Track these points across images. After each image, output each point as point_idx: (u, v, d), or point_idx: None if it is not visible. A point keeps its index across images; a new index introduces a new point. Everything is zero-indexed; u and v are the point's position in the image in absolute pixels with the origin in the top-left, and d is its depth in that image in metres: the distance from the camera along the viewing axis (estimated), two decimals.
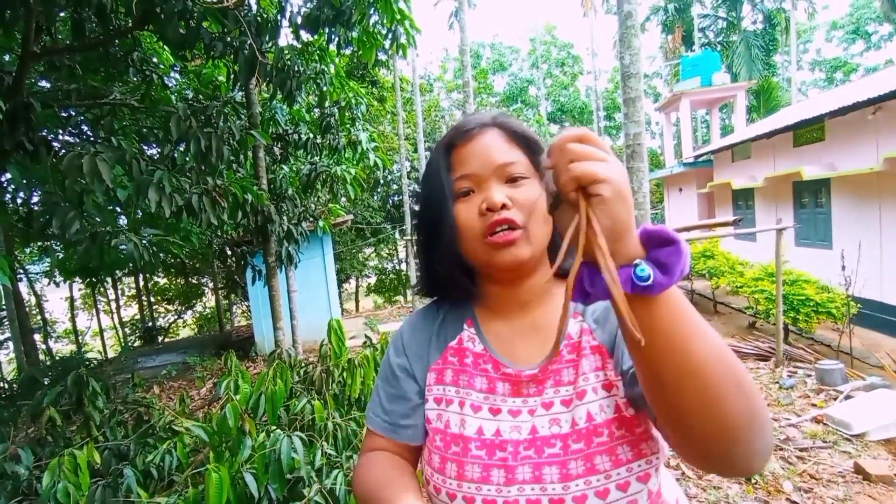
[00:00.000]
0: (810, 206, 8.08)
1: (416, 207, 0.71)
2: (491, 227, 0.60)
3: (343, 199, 7.26)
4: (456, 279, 0.67)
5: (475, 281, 0.69)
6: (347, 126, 4.98)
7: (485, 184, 0.63)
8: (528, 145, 0.66)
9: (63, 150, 2.81)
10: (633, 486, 0.55)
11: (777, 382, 4.37)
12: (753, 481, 2.72)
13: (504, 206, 0.60)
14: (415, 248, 0.74)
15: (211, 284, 13.03)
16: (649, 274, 0.41)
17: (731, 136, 13.13)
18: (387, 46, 3.83)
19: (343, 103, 4.82)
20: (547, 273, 0.67)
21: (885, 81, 7.07)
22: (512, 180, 0.63)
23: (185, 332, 14.40)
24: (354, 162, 5.26)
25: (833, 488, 2.63)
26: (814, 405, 3.81)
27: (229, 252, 6.28)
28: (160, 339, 12.85)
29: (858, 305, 5.52)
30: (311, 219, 5.74)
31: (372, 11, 3.54)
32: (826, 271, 6.13)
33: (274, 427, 1.89)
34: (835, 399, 3.83)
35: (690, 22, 19.62)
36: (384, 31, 3.74)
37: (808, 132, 8.00)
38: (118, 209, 4.31)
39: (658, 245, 0.42)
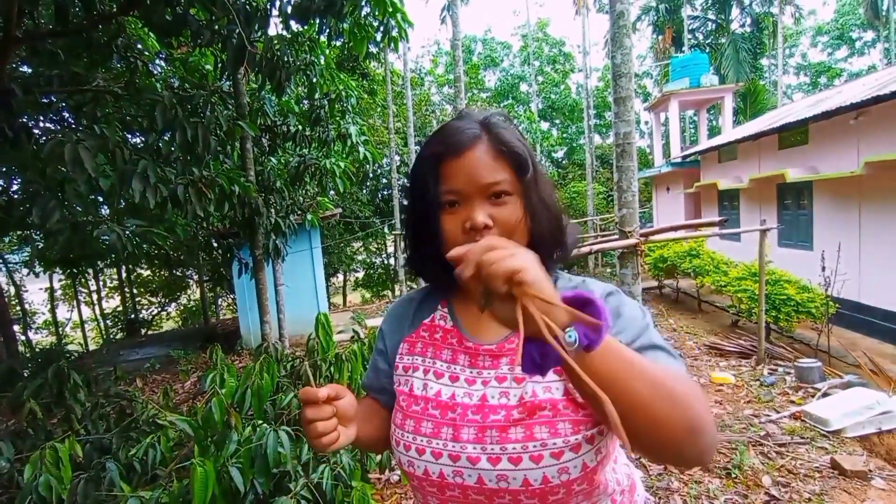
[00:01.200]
0: (793, 208, 8.25)
1: (408, 202, 0.78)
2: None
3: (332, 192, 7.19)
4: (437, 273, 0.75)
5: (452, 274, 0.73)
6: (337, 119, 4.92)
7: (469, 200, 0.67)
8: (515, 160, 0.68)
9: (44, 138, 2.74)
10: (566, 455, 0.63)
11: (758, 379, 4.47)
12: (733, 476, 2.79)
13: (486, 227, 0.65)
14: (403, 234, 0.82)
15: (196, 277, 12.84)
16: (575, 339, 0.47)
17: (718, 137, 13.31)
18: (378, 39, 3.79)
19: (333, 95, 4.76)
20: None
21: (867, 87, 7.23)
22: (496, 196, 0.67)
23: (168, 325, 14.18)
24: (344, 155, 5.21)
25: (810, 483, 2.71)
26: (793, 402, 3.90)
27: (215, 244, 6.19)
28: (143, 331, 12.65)
29: (837, 306, 5.66)
30: (300, 212, 5.67)
31: (364, 3, 3.49)
32: (807, 272, 6.27)
33: (260, 421, 1.87)
34: (813, 396, 3.93)
35: (681, 23, 19.79)
36: (376, 24, 3.70)
37: (792, 135, 8.14)
38: (101, 199, 4.21)
39: (581, 306, 0.48)
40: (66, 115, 4.27)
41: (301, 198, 5.70)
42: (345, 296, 16.74)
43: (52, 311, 11.69)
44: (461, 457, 0.66)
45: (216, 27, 3.19)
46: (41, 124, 4.05)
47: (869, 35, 24.74)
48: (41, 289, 11.53)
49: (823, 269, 5.38)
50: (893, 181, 5.91)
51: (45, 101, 3.47)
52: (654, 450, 0.54)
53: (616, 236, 3.26)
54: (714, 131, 17.95)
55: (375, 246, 16.34)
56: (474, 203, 0.66)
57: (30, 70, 3.64)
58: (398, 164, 13.04)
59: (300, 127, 4.92)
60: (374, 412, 0.83)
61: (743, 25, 20.26)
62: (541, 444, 0.63)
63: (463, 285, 0.73)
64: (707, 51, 19.25)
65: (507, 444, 0.64)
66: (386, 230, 14.54)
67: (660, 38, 20.56)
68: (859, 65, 25.75)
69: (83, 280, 12.18)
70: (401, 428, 0.72)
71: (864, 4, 19.71)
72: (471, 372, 0.72)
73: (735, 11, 20.17)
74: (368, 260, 16.48)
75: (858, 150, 6.50)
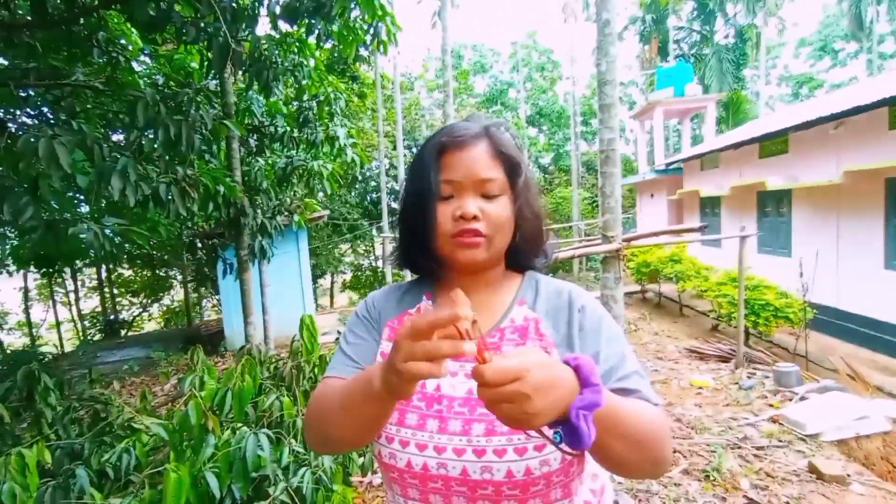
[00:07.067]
0: (772, 216, 8.42)
1: (403, 193, 0.80)
2: (460, 232, 0.71)
3: (320, 194, 7.13)
4: (425, 260, 0.78)
5: (440, 264, 0.78)
6: (326, 121, 4.90)
7: (463, 192, 0.72)
8: (509, 164, 0.75)
9: (20, 132, 2.66)
10: (548, 448, 0.65)
11: (737, 383, 4.54)
12: (712, 478, 2.82)
13: (475, 217, 0.71)
14: (396, 226, 0.84)
15: (180, 277, 12.61)
16: (559, 440, 0.53)
17: (700, 145, 13.54)
18: (368, 42, 3.78)
19: (322, 98, 4.74)
20: (501, 267, 0.81)
21: (847, 97, 7.43)
22: (488, 192, 0.73)
23: (150, 326, 13.88)
24: (332, 157, 5.18)
25: (788, 486, 2.75)
26: (771, 406, 3.97)
27: (199, 244, 6.09)
28: (123, 332, 12.36)
29: (814, 311, 5.79)
30: (287, 213, 5.62)
31: (353, 6, 3.48)
32: (785, 278, 6.40)
33: (240, 424, 1.84)
34: (790, 400, 4.01)
35: (666, 33, 20.14)
36: (365, 27, 3.69)
37: (772, 144, 8.33)
38: (80, 196, 4.11)
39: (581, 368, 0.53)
40: (45, 109, 4.17)
41: (288, 199, 5.65)
42: (332, 297, 16.61)
43: (27, 311, 11.35)
44: (447, 448, 0.67)
45: (201, 24, 3.15)
46: (18, 119, 3.95)
47: (852, 46, 25.40)
48: (15, 288, 11.19)
49: (801, 275, 5.50)
50: (871, 190, 6.07)
51: (22, 94, 3.38)
52: (624, 474, 0.66)
53: (599, 241, 3.29)
54: (697, 140, 18.26)
55: (363, 248, 16.25)
56: (468, 195, 0.72)
57: (5, 62, 3.54)
58: (387, 167, 13.00)
59: (288, 128, 4.89)
60: None
61: (727, 37, 20.70)
62: (525, 437, 0.65)
63: (447, 280, 0.79)
64: (692, 61, 19.62)
65: (493, 437, 0.66)
66: (374, 232, 14.46)
67: (646, 47, 20.87)
68: (841, 76, 26.45)
69: (60, 279, 11.87)
70: None
71: (848, 16, 20.27)
72: (453, 364, 0.72)
73: (719, 23, 20.60)
74: (356, 262, 16.38)
75: (838, 159, 6.67)
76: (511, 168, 0.74)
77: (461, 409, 0.69)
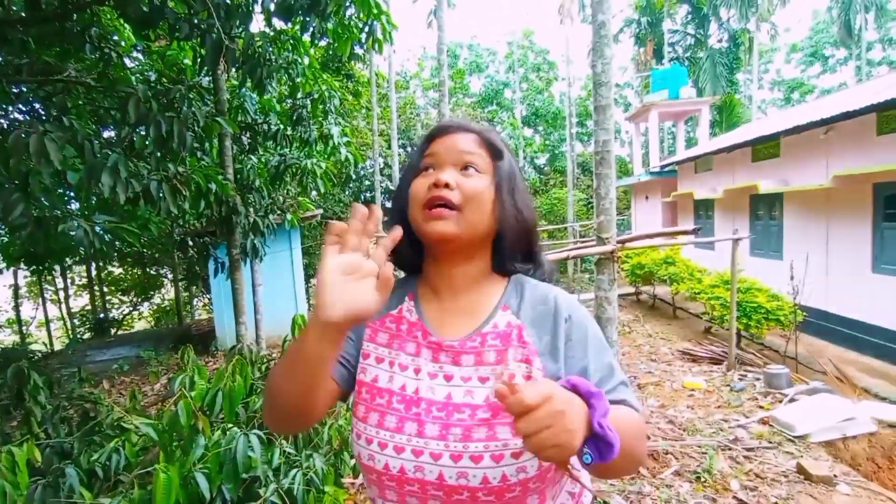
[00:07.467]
0: (765, 219, 8.50)
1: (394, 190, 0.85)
2: (431, 200, 0.71)
3: (314, 193, 7.10)
4: (407, 248, 0.77)
5: (421, 248, 0.79)
6: (320, 119, 4.88)
7: (442, 164, 0.74)
8: (492, 147, 0.77)
9: (11, 128, 2.63)
10: (525, 455, 0.65)
11: (728, 385, 4.58)
12: (703, 480, 2.84)
13: (448, 186, 0.71)
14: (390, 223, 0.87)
15: (170, 275, 12.51)
16: (590, 459, 0.54)
17: (694, 148, 13.64)
18: (363, 40, 3.77)
19: (316, 95, 4.72)
20: (484, 265, 0.79)
21: (836, 103, 7.51)
22: (466, 168, 0.74)
23: (140, 325, 13.76)
24: (325, 156, 5.16)
25: (777, 487, 2.78)
26: (761, 407, 4.01)
27: (191, 243, 6.04)
28: (113, 331, 12.23)
29: (805, 314, 5.85)
30: (279, 211, 5.59)
31: (348, 3, 3.47)
32: (776, 280, 6.46)
33: (231, 425, 1.83)
34: (780, 402, 4.05)
35: (661, 36, 20.28)
36: (360, 25, 3.68)
37: (765, 148, 8.41)
38: (70, 193, 4.07)
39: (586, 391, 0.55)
40: (37, 105, 4.12)
41: (281, 197, 5.62)
42: None
43: (16, 309, 11.22)
44: (424, 452, 0.67)
45: (195, 21, 3.12)
46: (10, 115, 3.90)
47: (841, 53, 25.75)
48: (5, 286, 11.06)
49: (792, 278, 5.56)
50: (860, 194, 6.14)
51: (14, 90, 3.34)
52: (603, 478, 0.68)
53: (594, 242, 3.30)
54: (691, 143, 18.40)
55: None
56: (445, 167, 0.74)
57: None
58: (381, 166, 12.98)
59: (281, 126, 4.86)
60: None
61: (720, 41, 20.87)
62: (503, 445, 0.65)
63: (430, 275, 0.80)
64: (686, 64, 19.76)
65: (470, 443, 0.65)
66: None
67: (641, 50, 21.01)
68: (831, 82, 26.80)
69: (49, 277, 11.73)
70: (363, 421, 0.72)
71: (838, 23, 20.51)
72: (433, 366, 0.73)
73: (713, 27, 20.76)
74: None
75: (827, 163, 6.75)
76: (493, 151, 0.77)
77: (439, 413, 0.69)
